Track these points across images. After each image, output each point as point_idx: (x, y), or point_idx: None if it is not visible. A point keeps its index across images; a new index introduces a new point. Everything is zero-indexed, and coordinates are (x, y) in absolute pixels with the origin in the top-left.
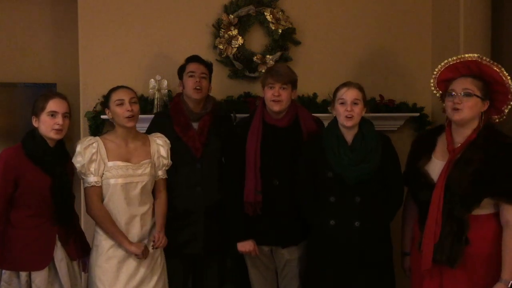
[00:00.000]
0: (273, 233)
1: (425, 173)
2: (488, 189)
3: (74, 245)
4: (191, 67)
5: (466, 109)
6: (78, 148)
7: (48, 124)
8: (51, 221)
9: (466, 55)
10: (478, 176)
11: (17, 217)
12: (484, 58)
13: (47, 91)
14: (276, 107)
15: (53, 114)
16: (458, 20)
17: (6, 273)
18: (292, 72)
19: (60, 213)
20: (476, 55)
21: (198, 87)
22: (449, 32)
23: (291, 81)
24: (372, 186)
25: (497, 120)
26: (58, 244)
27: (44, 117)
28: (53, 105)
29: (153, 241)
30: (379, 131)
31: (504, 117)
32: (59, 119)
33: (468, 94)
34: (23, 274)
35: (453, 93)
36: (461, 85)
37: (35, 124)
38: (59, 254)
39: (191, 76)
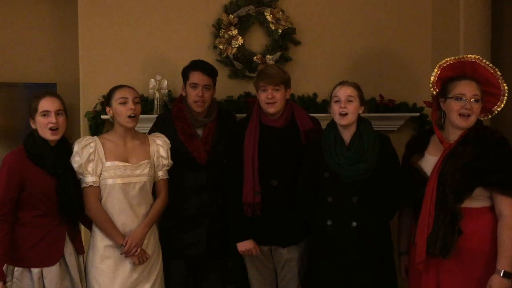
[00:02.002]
0: (272, 233)
1: (418, 168)
2: (480, 179)
3: (81, 240)
4: (195, 78)
5: (474, 115)
6: (76, 148)
7: (43, 124)
8: (60, 219)
9: (468, 55)
10: (470, 168)
11: (26, 217)
12: (483, 60)
13: (40, 91)
14: (271, 109)
15: (45, 113)
16: (458, 20)
17: (18, 270)
18: (283, 72)
19: (66, 212)
20: (476, 56)
21: (200, 101)
22: (449, 32)
23: (283, 82)
24: (370, 186)
25: (482, 119)
26: (67, 239)
27: (38, 118)
28: (44, 104)
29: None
30: (378, 131)
31: (490, 116)
32: (52, 118)
33: (477, 101)
34: (35, 271)
35: (464, 98)
36: (471, 91)
37: (33, 126)
38: (69, 249)
39: (193, 87)
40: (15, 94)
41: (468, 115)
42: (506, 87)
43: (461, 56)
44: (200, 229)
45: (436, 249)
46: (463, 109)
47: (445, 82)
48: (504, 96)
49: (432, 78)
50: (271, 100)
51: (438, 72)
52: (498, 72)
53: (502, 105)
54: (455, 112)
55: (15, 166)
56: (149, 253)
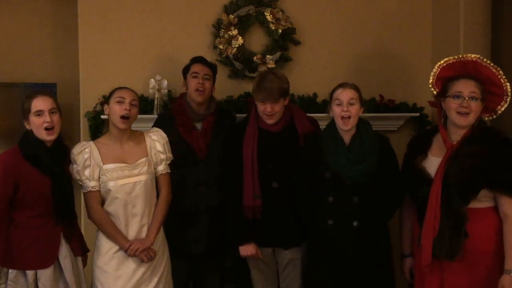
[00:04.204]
0: (275, 234)
1: (422, 169)
2: (485, 180)
3: (77, 241)
4: (195, 68)
5: (473, 114)
6: (72, 155)
7: (38, 124)
8: (55, 220)
9: (468, 55)
10: (476, 169)
11: (21, 218)
12: (484, 59)
13: (31, 91)
14: (270, 121)
15: (39, 113)
16: (458, 20)
17: (12, 273)
18: (282, 83)
19: (62, 212)
20: (477, 55)
21: (201, 89)
22: (449, 32)
23: (282, 94)
24: (370, 186)
25: (486, 119)
26: (62, 241)
27: (32, 118)
28: (37, 104)
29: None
30: (377, 132)
31: (495, 116)
32: (46, 117)
33: (474, 98)
34: (30, 273)
35: (461, 96)
36: (468, 89)
37: (27, 127)
38: (64, 251)
39: (194, 77)
40: (15, 94)
41: (467, 113)
42: (509, 87)
43: (461, 56)
44: (200, 225)
45: (442, 252)
46: (460, 107)
47: (446, 82)
48: (507, 96)
49: (431, 78)
50: (270, 113)
51: (438, 72)
52: (501, 72)
53: (506, 105)
54: (453, 111)
55: (10, 164)
56: (155, 252)
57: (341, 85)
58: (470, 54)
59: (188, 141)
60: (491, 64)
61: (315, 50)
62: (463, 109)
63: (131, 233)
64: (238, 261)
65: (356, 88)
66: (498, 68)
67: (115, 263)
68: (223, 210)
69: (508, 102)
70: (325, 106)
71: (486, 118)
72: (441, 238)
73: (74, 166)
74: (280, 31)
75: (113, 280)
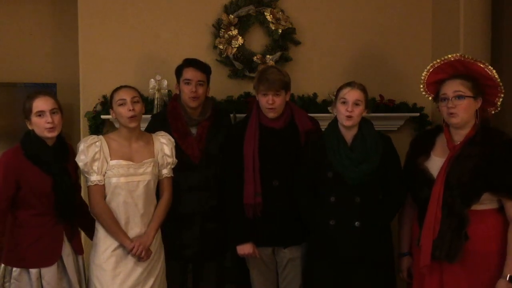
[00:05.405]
0: (275, 233)
1: (424, 169)
2: (488, 184)
3: (79, 240)
4: (188, 74)
5: (461, 112)
6: (82, 146)
7: (40, 125)
8: (57, 219)
9: (449, 56)
10: (478, 171)
11: (24, 216)
12: (466, 56)
13: (31, 91)
14: (271, 114)
15: (40, 113)
16: (458, 20)
17: (16, 271)
18: (283, 76)
19: (63, 211)
20: (458, 54)
21: (194, 96)
22: (449, 32)
23: (284, 87)
24: (372, 186)
25: (492, 112)
26: (65, 239)
27: (34, 118)
28: (38, 104)
29: (132, 247)
30: (379, 132)
31: (499, 108)
32: (47, 117)
33: (460, 97)
34: (33, 271)
35: (446, 98)
36: (451, 88)
37: (29, 127)
38: (66, 250)
39: (187, 83)
40: (15, 94)
41: (455, 113)
42: (495, 74)
43: (444, 58)
44: (194, 229)
45: (442, 254)
46: (446, 108)
47: (438, 85)
48: (500, 86)
49: (421, 84)
50: (272, 105)
51: (427, 77)
52: (487, 64)
53: (502, 95)
54: (444, 113)
55: (11, 163)
56: (152, 252)
57: (348, 84)
58: (452, 54)
59: (183, 148)
60: (475, 59)
61: (315, 50)
62: (450, 110)
63: (131, 232)
64: (238, 261)
65: (363, 89)
66: (483, 61)
67: (113, 261)
68: (217, 214)
69: (502, 91)
70: (325, 106)
71: (493, 112)
72: (442, 240)
73: (82, 157)
74: (280, 31)
75: (111, 278)
